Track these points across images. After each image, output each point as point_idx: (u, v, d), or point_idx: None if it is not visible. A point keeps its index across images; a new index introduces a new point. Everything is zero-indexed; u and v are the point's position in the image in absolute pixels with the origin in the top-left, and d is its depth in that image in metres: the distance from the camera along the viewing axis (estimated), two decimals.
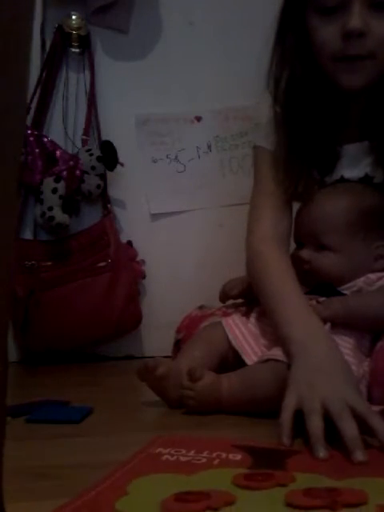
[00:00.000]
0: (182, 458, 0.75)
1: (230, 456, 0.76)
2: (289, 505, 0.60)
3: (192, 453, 0.77)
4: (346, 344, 1.02)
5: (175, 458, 0.76)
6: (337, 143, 1.16)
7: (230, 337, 1.09)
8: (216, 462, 0.74)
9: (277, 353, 0.98)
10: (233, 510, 0.61)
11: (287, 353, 0.95)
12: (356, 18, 1.03)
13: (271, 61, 1.18)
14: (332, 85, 1.12)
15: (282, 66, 1.16)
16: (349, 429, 0.78)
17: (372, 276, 1.08)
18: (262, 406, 0.96)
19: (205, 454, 0.76)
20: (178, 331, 1.25)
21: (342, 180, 1.16)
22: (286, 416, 0.83)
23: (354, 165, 1.16)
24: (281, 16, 1.16)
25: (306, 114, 1.13)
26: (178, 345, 1.23)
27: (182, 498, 0.62)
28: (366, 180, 1.15)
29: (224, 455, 0.76)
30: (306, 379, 0.87)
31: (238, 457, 0.75)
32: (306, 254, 1.11)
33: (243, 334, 1.09)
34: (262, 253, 1.12)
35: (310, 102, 1.13)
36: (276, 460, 0.75)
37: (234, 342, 1.08)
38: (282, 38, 1.16)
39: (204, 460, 0.74)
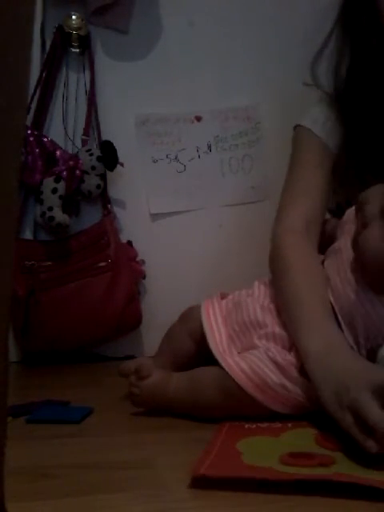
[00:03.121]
0: (261, 425, 0.88)
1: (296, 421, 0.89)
2: None
3: (265, 422, 0.89)
4: None
5: (255, 425, 0.89)
6: None
7: (203, 318, 1.05)
8: (289, 425, 0.88)
9: (230, 362, 0.95)
10: (338, 467, 0.72)
11: (304, 365, 0.89)
12: None
13: (325, 45, 1.10)
14: None
15: (342, 52, 1.09)
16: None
17: None
18: (204, 411, 0.95)
19: (276, 422, 0.89)
20: None
21: None
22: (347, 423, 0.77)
23: None
24: (344, 2, 1.10)
25: (369, 107, 1.05)
26: None
27: (295, 455, 0.74)
28: None
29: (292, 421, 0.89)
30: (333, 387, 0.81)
31: (304, 421, 0.88)
32: None
33: (215, 315, 1.06)
34: (285, 247, 1.02)
35: (375, 94, 1.04)
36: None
37: (205, 324, 1.04)
38: (344, 26, 1.09)
39: (279, 425, 0.88)
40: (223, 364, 0.95)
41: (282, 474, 0.69)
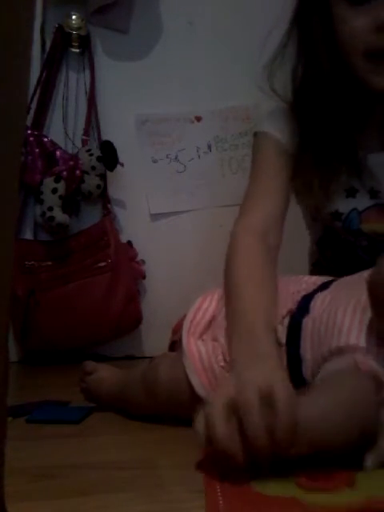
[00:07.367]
0: None
1: None
2: None
3: None
4: None
5: None
6: (358, 150, 1.06)
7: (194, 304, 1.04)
8: None
9: (191, 342, 0.96)
10: (361, 486, 0.66)
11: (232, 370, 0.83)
12: None
13: (277, 55, 1.10)
14: (356, 83, 1.03)
15: (297, 60, 1.08)
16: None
17: None
18: (132, 408, 0.98)
19: None
20: (174, 332, 1.24)
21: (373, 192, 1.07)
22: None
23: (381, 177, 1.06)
24: (298, 5, 1.07)
25: (323, 114, 1.05)
26: (172, 347, 1.21)
27: (313, 477, 0.67)
28: None
29: None
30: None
31: None
32: None
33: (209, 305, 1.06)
34: (240, 244, 1.01)
35: (330, 101, 1.04)
36: None
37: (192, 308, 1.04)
38: (298, 29, 1.08)
39: None
40: (184, 342, 0.96)
41: (313, 508, 0.62)
